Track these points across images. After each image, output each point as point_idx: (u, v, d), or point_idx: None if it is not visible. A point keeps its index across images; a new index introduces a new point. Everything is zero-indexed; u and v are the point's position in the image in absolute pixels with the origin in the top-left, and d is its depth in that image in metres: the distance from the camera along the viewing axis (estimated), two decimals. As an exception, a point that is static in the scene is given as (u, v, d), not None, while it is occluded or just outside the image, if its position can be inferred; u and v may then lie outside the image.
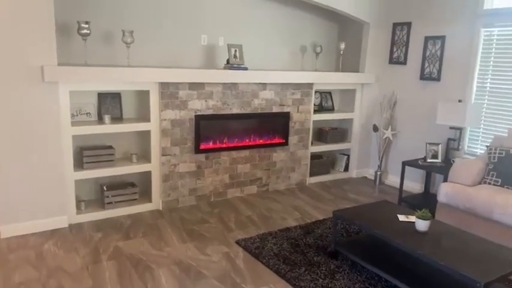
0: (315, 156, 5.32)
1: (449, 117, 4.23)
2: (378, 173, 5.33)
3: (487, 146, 3.93)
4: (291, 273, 2.96)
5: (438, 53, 4.69)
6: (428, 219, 2.81)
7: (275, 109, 4.71)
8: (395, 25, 5.16)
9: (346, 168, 5.60)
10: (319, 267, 3.07)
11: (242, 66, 4.35)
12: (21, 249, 3.21)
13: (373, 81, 5.37)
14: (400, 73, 5.16)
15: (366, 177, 5.65)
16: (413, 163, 4.45)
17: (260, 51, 4.98)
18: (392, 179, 5.31)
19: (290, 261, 3.14)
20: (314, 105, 5.13)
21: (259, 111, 4.60)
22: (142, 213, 4.03)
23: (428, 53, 4.80)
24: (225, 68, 4.35)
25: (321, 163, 5.36)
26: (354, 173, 5.61)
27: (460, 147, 4.42)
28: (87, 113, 3.95)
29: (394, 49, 5.19)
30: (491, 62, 4.29)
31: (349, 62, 5.58)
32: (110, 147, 3.97)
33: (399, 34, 5.12)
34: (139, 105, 4.21)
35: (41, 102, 3.39)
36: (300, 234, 3.65)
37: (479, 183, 3.80)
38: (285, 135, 4.85)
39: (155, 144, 4.05)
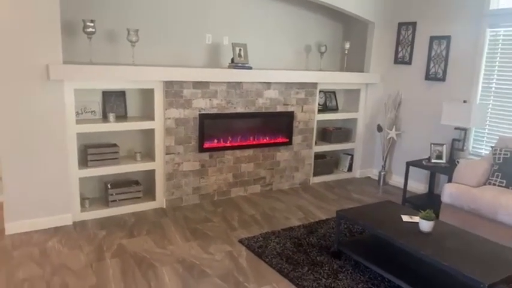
0: (318, 156, 5.32)
1: (454, 118, 4.21)
2: (382, 173, 5.32)
3: (491, 147, 3.91)
4: (294, 273, 2.96)
5: (443, 53, 4.67)
6: (432, 220, 2.80)
7: (279, 108, 4.71)
8: (400, 25, 5.14)
9: (350, 168, 5.59)
10: (322, 266, 3.07)
11: (246, 65, 4.36)
12: (25, 246, 3.23)
13: (377, 81, 5.35)
14: (405, 73, 5.15)
15: (369, 177, 5.63)
16: (417, 163, 4.43)
17: (265, 50, 4.98)
18: (396, 179, 5.30)
19: (293, 261, 3.14)
20: (318, 104, 5.13)
21: (263, 110, 4.60)
22: (146, 212, 4.04)
23: (433, 53, 4.78)
24: (229, 67, 4.36)
25: (324, 163, 5.35)
26: (357, 173, 5.59)
27: (464, 147, 4.40)
28: (91, 111, 3.96)
29: (399, 49, 5.17)
30: (497, 63, 4.27)
31: (353, 61, 5.56)
32: (114, 145, 3.99)
33: (404, 34, 5.10)
34: (143, 103, 4.22)
35: (46, 100, 3.40)
36: (303, 233, 3.64)
37: (484, 184, 3.78)
38: (289, 134, 4.85)
39: (159, 142, 4.06)
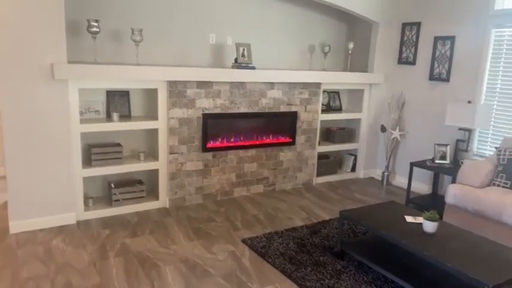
0: (322, 156, 5.31)
1: (459, 118, 4.19)
2: (385, 173, 5.30)
3: (496, 148, 3.90)
4: (297, 273, 2.96)
5: (448, 53, 4.65)
6: (436, 221, 2.80)
7: (283, 108, 4.71)
8: (404, 25, 5.12)
9: (353, 169, 5.58)
10: (325, 267, 3.07)
11: (250, 65, 4.36)
12: (29, 245, 3.24)
13: (381, 81, 5.34)
14: (409, 73, 5.13)
15: (373, 177, 5.62)
16: (421, 164, 4.42)
17: (268, 50, 4.98)
18: (400, 180, 5.28)
19: (296, 261, 3.14)
20: (322, 105, 5.12)
21: (266, 110, 4.60)
22: (149, 211, 4.05)
23: (437, 53, 4.76)
24: (233, 67, 4.36)
25: (328, 163, 5.34)
26: (361, 173, 5.58)
27: (468, 148, 4.38)
28: (95, 111, 3.97)
29: (403, 49, 5.16)
30: (502, 63, 4.25)
31: (357, 61, 5.55)
32: (118, 144, 4.00)
33: (408, 34, 5.08)
34: (147, 103, 4.23)
35: (51, 99, 3.42)
36: (306, 234, 3.64)
37: (488, 185, 3.76)
38: (292, 134, 4.84)
39: (163, 142, 4.07)
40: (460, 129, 4.41)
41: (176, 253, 3.22)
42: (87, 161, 3.83)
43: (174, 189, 4.19)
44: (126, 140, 4.16)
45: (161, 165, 4.10)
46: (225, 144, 4.43)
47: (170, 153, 4.10)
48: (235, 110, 4.39)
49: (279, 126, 4.78)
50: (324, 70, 5.20)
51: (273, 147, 4.74)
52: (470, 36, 4.46)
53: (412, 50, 5.05)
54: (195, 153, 4.24)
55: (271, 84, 4.57)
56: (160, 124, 4.02)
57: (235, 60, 4.36)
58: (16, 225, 3.44)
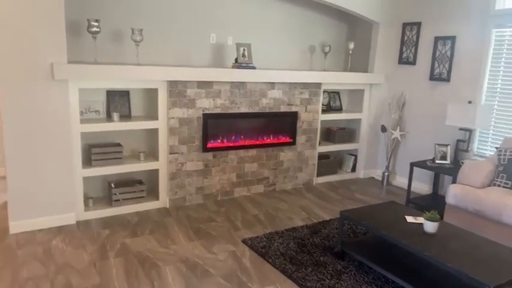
0: (322, 156, 5.31)
1: (459, 119, 4.19)
2: (386, 173, 5.30)
3: (496, 148, 3.89)
4: (298, 273, 2.96)
5: (448, 53, 4.65)
6: (437, 221, 2.79)
7: (283, 108, 4.70)
8: (405, 25, 5.12)
9: (354, 169, 5.57)
10: (326, 267, 3.06)
11: (250, 65, 4.35)
12: (29, 245, 3.23)
13: (382, 81, 5.34)
14: (410, 73, 5.13)
15: (373, 177, 5.62)
16: (421, 164, 4.42)
17: (268, 50, 4.97)
18: (400, 180, 5.28)
19: (296, 261, 3.13)
20: (322, 105, 5.11)
21: (267, 110, 4.59)
22: (150, 211, 4.05)
23: (438, 53, 4.76)
24: (233, 67, 4.35)
25: (328, 163, 5.34)
26: (361, 173, 5.58)
27: (469, 148, 4.38)
28: (95, 111, 3.97)
29: (404, 49, 5.16)
30: (502, 63, 4.24)
31: (358, 62, 5.55)
32: (118, 144, 3.99)
33: (409, 34, 5.08)
34: (147, 103, 4.23)
35: (51, 99, 3.41)
36: (306, 234, 3.64)
37: (489, 185, 3.76)
38: (293, 134, 4.84)
39: (163, 142, 4.06)
40: (460, 129, 4.40)
41: (176, 253, 3.22)
42: (87, 161, 3.83)
43: (174, 189, 4.18)
44: (126, 140, 4.15)
45: (161, 165, 4.09)
46: (226, 144, 4.42)
47: (170, 153, 4.09)
48: (235, 110, 4.39)
49: (280, 126, 4.77)
50: (325, 70, 5.20)
51: (273, 147, 4.74)
52: (471, 36, 4.46)
53: (413, 50, 5.05)
54: (196, 153, 4.23)
55: (272, 84, 4.56)
56: (160, 124, 4.01)
57: (236, 60, 4.36)
58: (16, 226, 3.44)
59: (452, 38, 4.60)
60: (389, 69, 5.34)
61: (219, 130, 4.38)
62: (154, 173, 4.17)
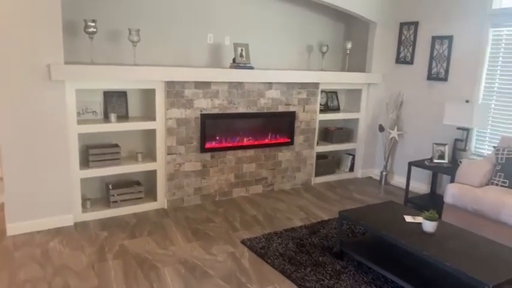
0: (320, 156, 5.31)
1: (457, 118, 4.19)
2: (384, 173, 5.30)
3: (494, 147, 3.90)
4: (297, 274, 2.95)
5: (445, 52, 4.66)
6: (435, 221, 2.79)
7: (281, 108, 4.70)
8: (402, 25, 5.12)
9: (352, 168, 5.58)
10: (325, 267, 3.06)
11: (248, 65, 4.34)
12: (27, 247, 3.22)
13: (379, 81, 5.34)
14: (407, 73, 5.13)
15: (371, 177, 5.62)
16: (419, 163, 4.42)
17: (266, 50, 4.97)
18: (398, 180, 5.28)
19: (295, 261, 3.13)
20: (320, 104, 5.11)
21: (265, 110, 4.59)
22: (148, 212, 4.03)
23: (435, 52, 4.77)
24: (231, 67, 4.34)
25: (326, 163, 5.34)
26: (359, 173, 5.58)
27: (467, 147, 4.39)
28: (93, 112, 3.95)
29: (401, 49, 5.16)
30: (500, 62, 4.25)
31: (355, 61, 5.55)
32: (116, 145, 3.98)
33: (406, 34, 5.08)
34: (145, 104, 4.21)
35: (48, 100, 3.39)
36: (305, 234, 3.63)
37: (487, 184, 3.77)
38: (291, 134, 4.84)
39: (161, 143, 4.05)
40: (458, 128, 4.41)
41: (175, 254, 3.21)
42: (85, 162, 3.81)
43: (172, 190, 4.17)
44: (123, 140, 4.14)
45: (159, 166, 4.08)
46: (224, 144, 4.42)
47: (168, 154, 4.08)
48: (233, 110, 4.38)
49: (278, 126, 4.77)
50: (322, 70, 5.20)
51: (271, 148, 4.73)
52: (468, 35, 4.47)
53: (410, 49, 5.05)
54: (193, 153, 4.22)
55: (270, 84, 4.56)
56: (158, 125, 4.00)
57: (234, 60, 4.35)
58: (13, 227, 3.42)
59: (450, 38, 4.61)
60: (387, 68, 5.34)
61: (217, 130, 4.37)
62: (152, 173, 4.16)
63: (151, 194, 4.23)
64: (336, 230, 3.69)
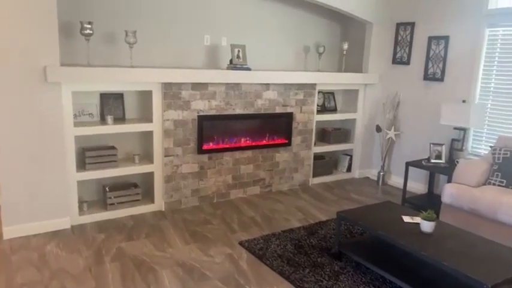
0: (317, 157, 5.31)
1: (453, 118, 4.20)
2: (381, 173, 5.31)
3: (491, 147, 3.91)
4: (295, 275, 2.94)
5: (442, 53, 4.67)
6: (433, 221, 2.80)
7: (278, 109, 4.69)
8: (398, 25, 5.13)
9: (349, 169, 5.58)
10: (323, 268, 3.05)
11: (245, 66, 4.34)
12: (23, 251, 3.20)
13: (376, 81, 5.35)
14: (404, 73, 5.14)
15: (368, 177, 5.63)
16: (417, 164, 4.43)
17: (263, 51, 4.97)
18: (396, 180, 5.29)
19: (294, 263, 3.12)
20: (317, 105, 5.11)
21: (262, 111, 4.58)
22: (145, 214, 4.02)
23: (431, 53, 4.78)
24: (228, 68, 4.34)
25: (323, 164, 5.34)
26: (356, 173, 5.59)
27: (464, 147, 4.40)
28: (89, 114, 3.93)
29: (398, 49, 5.17)
30: (496, 62, 4.27)
31: (352, 62, 5.56)
32: (113, 147, 3.96)
33: (402, 34, 5.09)
34: (141, 105, 4.20)
35: (44, 102, 3.38)
36: (303, 235, 3.63)
37: (484, 184, 3.77)
38: (288, 135, 4.83)
39: (158, 144, 4.04)
40: (455, 128, 4.42)
41: (173, 256, 3.19)
42: (81, 165, 3.79)
43: (170, 192, 4.16)
44: (120, 142, 4.12)
45: (156, 168, 4.07)
46: (221, 146, 4.41)
47: (165, 156, 4.06)
48: (230, 112, 4.37)
49: (275, 127, 4.77)
50: (319, 71, 5.20)
51: (269, 149, 4.73)
52: (464, 35, 4.48)
53: (407, 50, 5.06)
54: (191, 155, 4.21)
55: (267, 86, 4.56)
56: (155, 126, 3.99)
57: (231, 61, 4.35)
58: (10, 231, 3.40)
59: (446, 38, 4.62)
60: (384, 69, 5.35)
61: (214, 132, 4.36)
62: (150, 176, 4.14)
63: (148, 196, 4.22)
64: (334, 231, 3.69)
